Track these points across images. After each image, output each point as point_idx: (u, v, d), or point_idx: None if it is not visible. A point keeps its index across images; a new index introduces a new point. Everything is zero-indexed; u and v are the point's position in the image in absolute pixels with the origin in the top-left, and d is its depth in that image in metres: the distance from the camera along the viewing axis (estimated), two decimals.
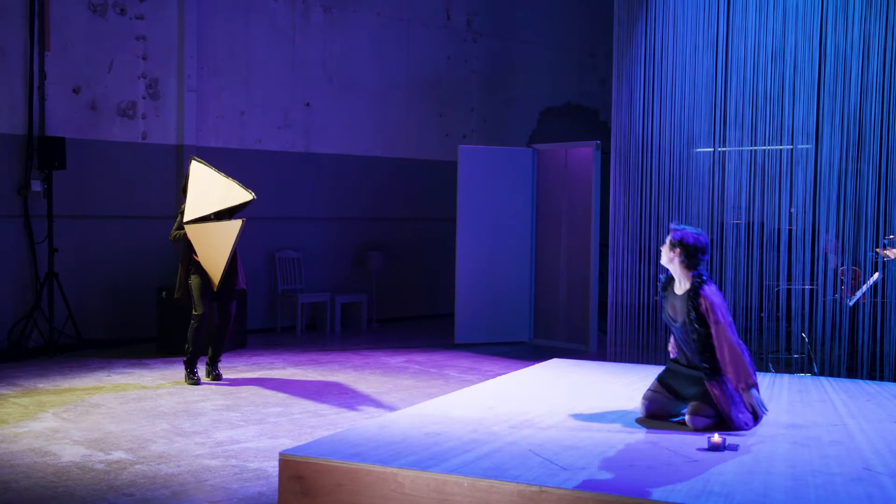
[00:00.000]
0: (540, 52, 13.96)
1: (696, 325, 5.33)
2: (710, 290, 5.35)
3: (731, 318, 5.35)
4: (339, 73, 11.70)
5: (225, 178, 7.77)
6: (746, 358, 5.27)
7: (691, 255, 5.36)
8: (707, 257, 5.46)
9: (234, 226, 7.60)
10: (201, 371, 8.04)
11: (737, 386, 5.22)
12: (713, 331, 5.28)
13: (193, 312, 7.83)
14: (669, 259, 5.46)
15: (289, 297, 10.96)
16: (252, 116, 10.96)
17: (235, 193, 7.73)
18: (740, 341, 5.33)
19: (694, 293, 5.32)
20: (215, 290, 7.77)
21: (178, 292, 7.93)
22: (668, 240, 5.50)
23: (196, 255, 7.77)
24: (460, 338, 10.39)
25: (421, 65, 12.56)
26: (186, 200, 7.79)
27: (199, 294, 7.78)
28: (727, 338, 5.24)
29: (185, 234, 7.76)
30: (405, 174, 12.40)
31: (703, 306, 5.29)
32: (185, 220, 7.75)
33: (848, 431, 5.31)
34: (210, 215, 7.75)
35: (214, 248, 7.68)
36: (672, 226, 5.58)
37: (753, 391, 5.24)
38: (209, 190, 7.78)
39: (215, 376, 7.96)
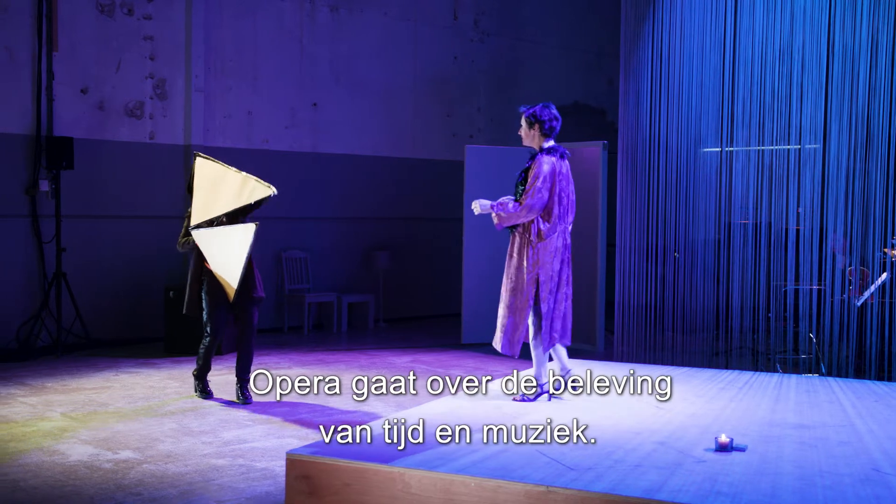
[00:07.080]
0: (547, 51, 13.94)
1: (521, 187, 5.71)
2: (548, 160, 5.66)
3: (544, 194, 5.62)
4: (346, 73, 11.70)
5: (237, 172, 6.86)
6: (525, 216, 5.63)
7: (549, 125, 5.77)
8: (559, 124, 5.79)
9: (247, 230, 6.75)
10: (213, 385, 7.44)
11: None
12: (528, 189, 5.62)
13: (206, 329, 7.06)
14: (532, 137, 5.83)
15: (296, 296, 10.97)
16: (259, 116, 10.96)
17: (252, 188, 6.77)
18: (540, 202, 5.58)
19: (533, 157, 5.71)
20: (231, 300, 6.92)
21: (187, 308, 7.06)
22: (522, 123, 5.85)
23: (208, 264, 6.93)
24: (467, 338, 10.38)
25: (428, 65, 12.56)
26: (192, 202, 7.00)
27: (213, 309, 6.96)
28: (529, 197, 5.57)
29: (194, 241, 6.92)
30: (412, 174, 12.39)
31: (534, 170, 5.64)
32: (193, 223, 6.93)
33: (856, 432, 5.30)
34: (221, 217, 6.91)
35: (227, 254, 6.84)
36: (520, 109, 5.89)
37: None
38: (219, 187, 6.89)
39: (244, 399, 7.00)
